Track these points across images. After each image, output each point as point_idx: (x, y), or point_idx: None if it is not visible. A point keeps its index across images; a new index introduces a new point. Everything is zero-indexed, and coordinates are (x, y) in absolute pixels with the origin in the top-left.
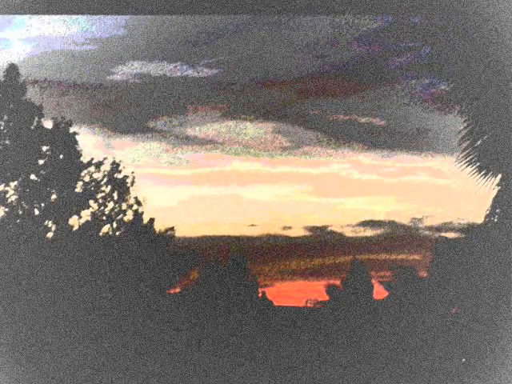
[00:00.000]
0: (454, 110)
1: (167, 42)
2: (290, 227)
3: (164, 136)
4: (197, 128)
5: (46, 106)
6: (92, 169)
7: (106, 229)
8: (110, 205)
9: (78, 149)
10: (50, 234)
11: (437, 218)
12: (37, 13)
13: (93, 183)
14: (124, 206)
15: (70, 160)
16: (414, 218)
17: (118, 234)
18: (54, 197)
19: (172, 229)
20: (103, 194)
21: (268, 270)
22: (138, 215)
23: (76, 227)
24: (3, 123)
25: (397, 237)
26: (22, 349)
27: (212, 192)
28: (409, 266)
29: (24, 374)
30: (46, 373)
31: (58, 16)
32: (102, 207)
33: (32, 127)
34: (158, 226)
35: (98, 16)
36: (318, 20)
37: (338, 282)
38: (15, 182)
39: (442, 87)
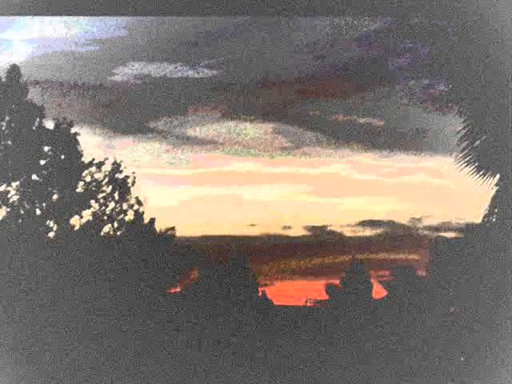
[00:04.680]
0: (453, 110)
1: (167, 43)
2: (289, 227)
3: (164, 136)
4: (197, 128)
5: (47, 107)
6: (93, 169)
7: (107, 228)
8: (111, 205)
9: (79, 149)
10: (51, 234)
11: (436, 218)
12: (38, 14)
13: (94, 183)
14: (125, 206)
15: (71, 160)
16: (413, 218)
17: (118, 233)
18: (55, 197)
19: (172, 228)
20: (104, 194)
21: (268, 269)
22: (138, 215)
23: (77, 227)
24: (5, 124)
25: (396, 236)
26: (21, 349)
27: (212, 192)
28: (408, 266)
29: (24, 374)
30: (45, 373)
31: (59, 17)
32: (103, 207)
33: (33, 128)
34: (159, 226)
35: (99, 17)
36: (317, 21)
37: (337, 282)
38: (17, 182)
39: (441, 88)
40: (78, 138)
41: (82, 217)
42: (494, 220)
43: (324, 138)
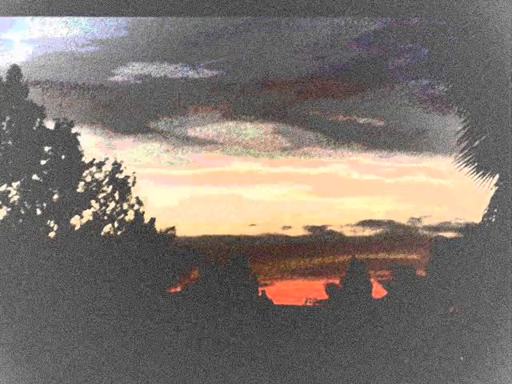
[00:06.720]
0: (453, 110)
1: (168, 43)
2: (289, 227)
3: (165, 136)
4: (197, 128)
5: (47, 107)
6: (93, 169)
7: (107, 228)
8: (112, 205)
9: (80, 149)
10: (51, 234)
11: (435, 218)
12: (38, 14)
13: (94, 183)
14: (125, 206)
15: (71, 160)
16: (413, 218)
17: (119, 233)
18: (55, 197)
19: (173, 228)
20: (105, 194)
21: (268, 269)
22: (139, 215)
23: (78, 227)
24: (5, 124)
25: (396, 236)
26: (21, 349)
27: (212, 192)
28: (408, 266)
29: (24, 374)
30: (46, 373)
31: (60, 18)
32: (104, 207)
33: (34, 128)
34: (159, 226)
35: (99, 17)
36: (317, 21)
37: (337, 281)
38: (17, 182)
39: (441, 88)
40: (79, 138)
41: (82, 217)
42: (493, 220)
43: (324, 138)
